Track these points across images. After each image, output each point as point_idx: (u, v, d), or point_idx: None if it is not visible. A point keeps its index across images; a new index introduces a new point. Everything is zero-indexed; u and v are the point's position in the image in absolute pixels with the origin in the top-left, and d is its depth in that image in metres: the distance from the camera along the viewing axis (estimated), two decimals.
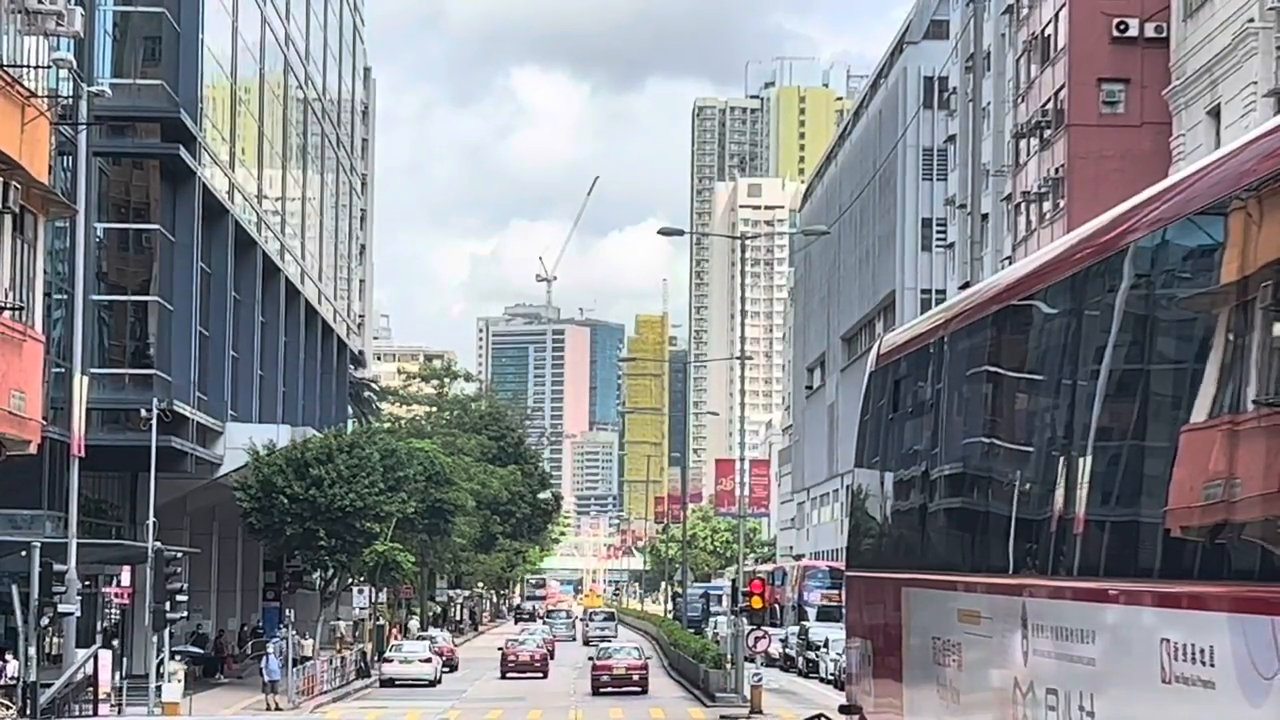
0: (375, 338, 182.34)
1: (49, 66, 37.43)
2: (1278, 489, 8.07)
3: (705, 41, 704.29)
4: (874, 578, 16.58)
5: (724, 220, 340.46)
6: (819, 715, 31.18)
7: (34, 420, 36.45)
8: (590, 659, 73.21)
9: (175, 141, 56.50)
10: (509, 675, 75.79)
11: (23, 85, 33.06)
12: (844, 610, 20.20)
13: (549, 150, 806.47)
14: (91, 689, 43.44)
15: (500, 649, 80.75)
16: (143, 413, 48.82)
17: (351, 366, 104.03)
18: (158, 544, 43.36)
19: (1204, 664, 8.66)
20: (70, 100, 42.19)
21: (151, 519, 45.76)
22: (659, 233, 58.69)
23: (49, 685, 40.75)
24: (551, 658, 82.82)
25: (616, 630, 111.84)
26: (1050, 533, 11.41)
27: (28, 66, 34.86)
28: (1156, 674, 9.21)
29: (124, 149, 56.86)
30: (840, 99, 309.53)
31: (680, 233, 70.88)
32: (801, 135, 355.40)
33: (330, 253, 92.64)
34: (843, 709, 18.19)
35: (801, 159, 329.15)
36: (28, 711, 38.77)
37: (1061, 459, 11.44)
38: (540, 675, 75.87)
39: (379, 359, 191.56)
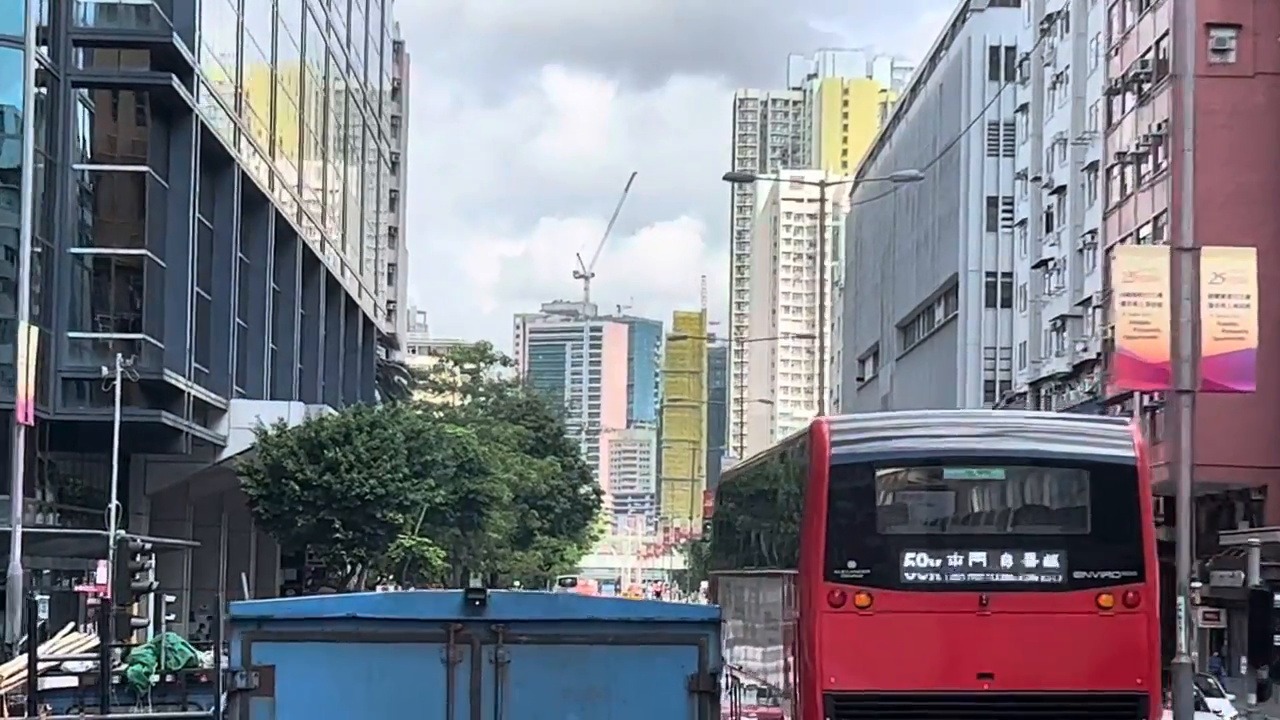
0: (409, 330, 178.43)
1: None
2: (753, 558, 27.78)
3: (731, 39, 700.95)
4: (716, 573, 33.76)
5: (767, 213, 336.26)
6: None
7: None
8: None
9: (167, 70, 49.22)
10: None
11: None
12: (709, 590, 39.53)
13: (576, 148, 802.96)
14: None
15: None
16: (104, 371, 41.36)
17: (382, 349, 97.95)
18: (120, 532, 35.64)
19: (771, 597, 24.61)
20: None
21: (113, 503, 38.13)
22: (724, 178, 53.40)
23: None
24: None
25: None
26: (740, 556, 29.54)
27: None
28: (760, 598, 25.81)
29: (108, 78, 49.75)
30: (884, 90, 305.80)
31: (750, 179, 66.72)
32: (845, 128, 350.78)
33: (356, 223, 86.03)
34: None
35: (845, 151, 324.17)
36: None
37: (746, 538, 29.38)
38: None
39: (414, 352, 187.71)
